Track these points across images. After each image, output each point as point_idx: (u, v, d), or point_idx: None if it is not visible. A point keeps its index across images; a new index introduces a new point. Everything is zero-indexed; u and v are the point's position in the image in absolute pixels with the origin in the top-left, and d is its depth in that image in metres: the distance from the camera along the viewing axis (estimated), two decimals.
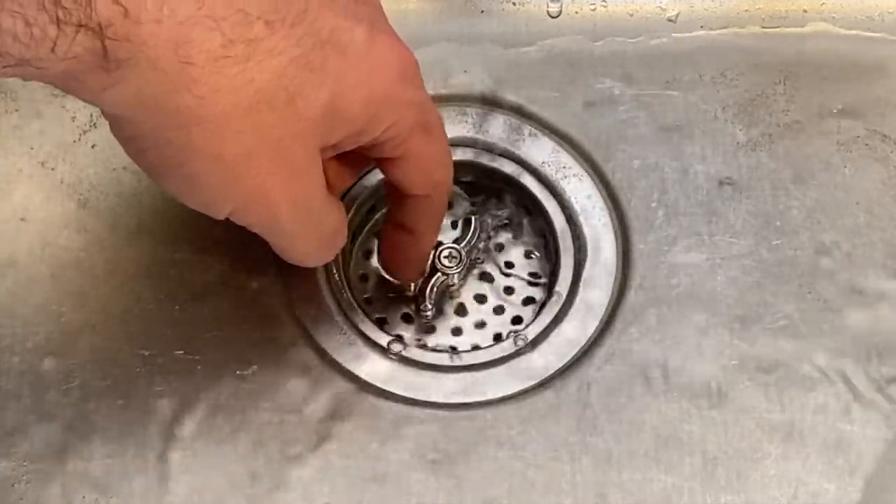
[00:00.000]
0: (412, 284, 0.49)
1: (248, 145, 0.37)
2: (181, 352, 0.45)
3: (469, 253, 0.48)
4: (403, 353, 0.46)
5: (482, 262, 0.50)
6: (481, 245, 0.50)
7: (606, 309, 0.47)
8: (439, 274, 0.48)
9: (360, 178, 0.49)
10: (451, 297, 0.49)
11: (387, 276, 0.49)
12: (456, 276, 0.48)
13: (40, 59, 0.33)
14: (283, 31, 0.36)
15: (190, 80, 0.35)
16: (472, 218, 0.49)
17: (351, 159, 0.42)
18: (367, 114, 0.39)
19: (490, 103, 0.51)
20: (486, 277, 0.50)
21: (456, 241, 0.48)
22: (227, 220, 0.40)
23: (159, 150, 0.37)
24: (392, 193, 0.45)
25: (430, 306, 0.48)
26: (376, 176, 0.49)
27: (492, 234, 0.50)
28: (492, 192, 0.51)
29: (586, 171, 0.49)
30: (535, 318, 0.48)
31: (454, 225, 0.51)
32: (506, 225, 0.51)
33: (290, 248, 0.42)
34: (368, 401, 0.45)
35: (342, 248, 0.48)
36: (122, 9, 0.33)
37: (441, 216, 0.46)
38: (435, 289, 0.48)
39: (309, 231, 0.41)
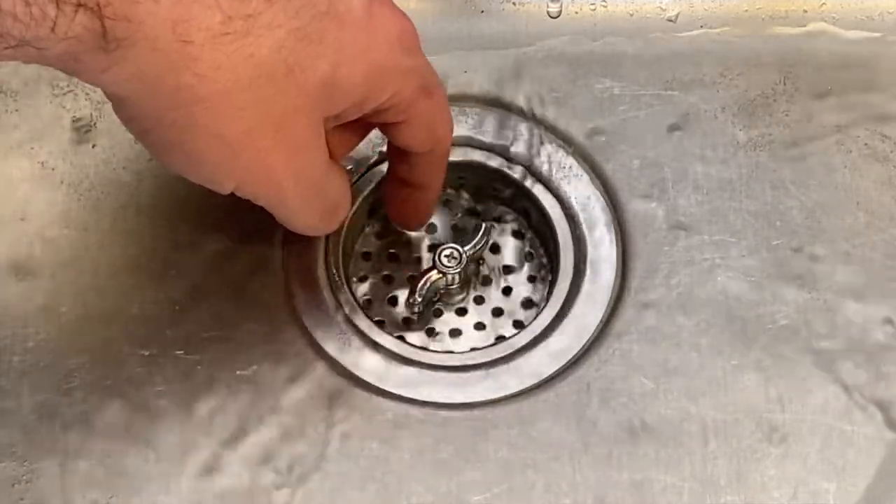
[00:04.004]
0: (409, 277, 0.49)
1: (250, 122, 0.37)
2: (181, 352, 0.45)
3: (473, 256, 0.48)
4: (403, 353, 0.46)
5: (482, 265, 0.50)
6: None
7: (606, 309, 0.47)
8: (435, 271, 0.48)
9: (359, 177, 0.49)
10: (450, 303, 0.49)
11: (396, 227, 0.49)
12: (456, 276, 0.48)
13: (40, 39, 0.33)
14: (281, 3, 0.36)
15: (189, 58, 0.35)
16: (483, 224, 0.49)
17: (353, 126, 0.42)
18: (367, 84, 0.39)
19: (490, 103, 0.51)
20: (485, 279, 0.50)
21: (461, 242, 0.48)
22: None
23: (162, 130, 0.37)
24: (394, 151, 0.45)
25: (419, 299, 0.48)
26: (375, 175, 0.49)
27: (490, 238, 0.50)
28: (491, 192, 0.51)
29: (586, 171, 0.49)
30: (535, 318, 0.47)
31: (455, 228, 0.51)
32: (506, 225, 0.51)
33: (294, 220, 0.42)
34: (368, 401, 0.45)
35: (343, 248, 0.48)
36: None
37: (444, 167, 0.46)
38: (429, 283, 0.48)
39: (312, 203, 0.42)
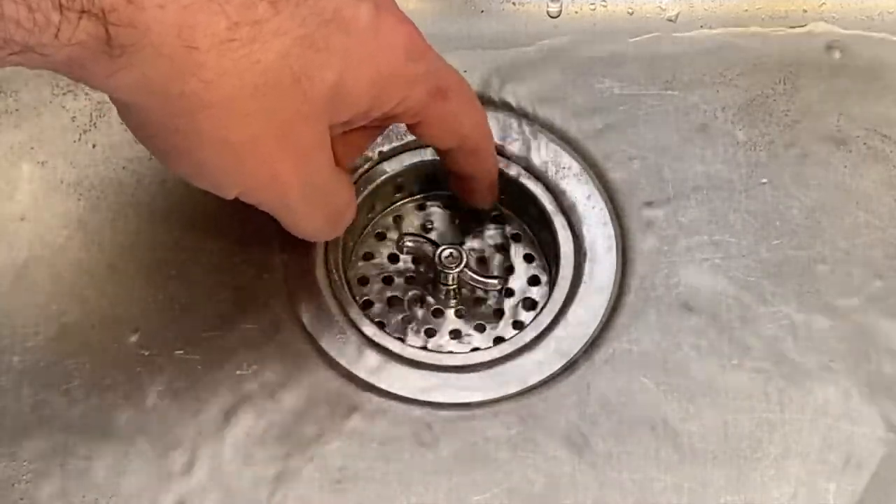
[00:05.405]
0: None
1: (255, 129, 0.37)
2: (181, 352, 0.45)
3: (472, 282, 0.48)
4: (403, 353, 0.46)
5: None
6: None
7: (606, 309, 0.47)
8: (428, 243, 0.48)
9: (359, 177, 0.49)
10: (449, 304, 0.49)
11: (463, 202, 0.50)
12: (455, 276, 0.48)
13: (44, 45, 0.33)
14: (288, 10, 0.36)
15: (195, 64, 0.35)
16: (498, 280, 0.49)
17: (361, 132, 0.42)
18: (373, 93, 0.39)
19: (490, 103, 0.51)
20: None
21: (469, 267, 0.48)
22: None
23: (167, 136, 0.37)
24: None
25: (407, 243, 0.48)
26: (375, 175, 0.49)
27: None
28: None
29: (586, 171, 0.49)
30: (535, 318, 0.47)
31: (455, 227, 0.51)
32: (505, 225, 0.51)
33: (300, 226, 0.43)
34: (368, 401, 0.45)
35: (343, 249, 0.48)
36: None
37: (486, 158, 0.46)
38: (418, 244, 0.49)
39: (318, 209, 0.42)
